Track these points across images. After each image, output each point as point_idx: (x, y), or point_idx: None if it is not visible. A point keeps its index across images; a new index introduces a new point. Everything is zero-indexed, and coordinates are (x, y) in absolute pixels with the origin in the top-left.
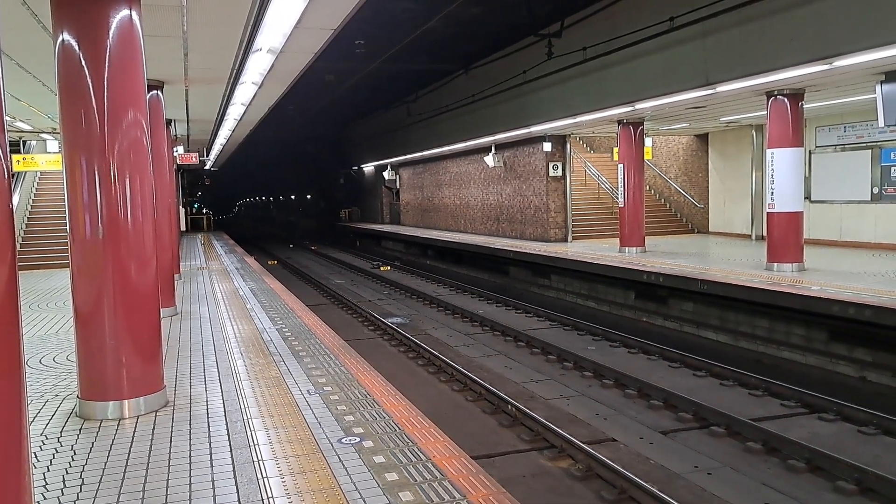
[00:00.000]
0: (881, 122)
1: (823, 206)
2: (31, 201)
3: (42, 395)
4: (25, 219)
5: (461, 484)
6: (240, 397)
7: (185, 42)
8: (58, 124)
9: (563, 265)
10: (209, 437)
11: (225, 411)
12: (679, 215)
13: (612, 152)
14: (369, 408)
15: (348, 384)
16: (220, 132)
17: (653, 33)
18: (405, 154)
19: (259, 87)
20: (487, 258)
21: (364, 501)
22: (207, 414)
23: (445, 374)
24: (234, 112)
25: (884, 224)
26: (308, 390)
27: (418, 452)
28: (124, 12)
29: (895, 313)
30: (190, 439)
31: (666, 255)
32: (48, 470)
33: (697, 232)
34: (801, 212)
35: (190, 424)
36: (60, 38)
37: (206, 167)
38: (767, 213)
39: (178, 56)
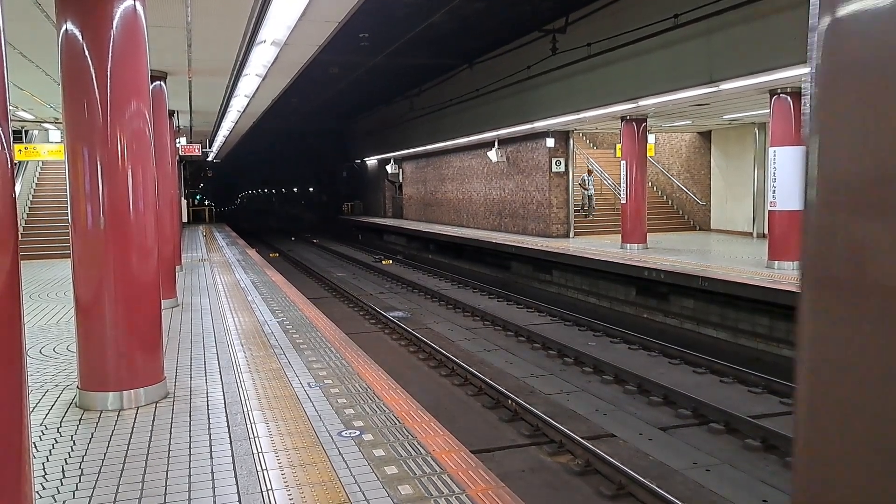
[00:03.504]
0: None
1: None
2: (32, 191)
3: (42, 386)
4: (27, 208)
5: (460, 478)
6: (240, 389)
7: (188, 33)
8: (60, 114)
9: (565, 261)
10: (209, 428)
11: (225, 403)
12: (681, 212)
13: (615, 148)
14: (369, 401)
15: (349, 377)
16: (223, 124)
17: (657, 30)
18: (408, 148)
19: (263, 80)
20: (489, 253)
21: (363, 494)
22: (207, 406)
23: (446, 369)
24: (238, 104)
25: None
26: (308, 383)
27: (418, 446)
28: (128, 2)
29: None
30: (190, 431)
31: (667, 252)
32: (47, 460)
33: (699, 229)
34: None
35: (190, 416)
36: (64, 28)
37: (209, 159)
38: (769, 211)
39: (182, 47)
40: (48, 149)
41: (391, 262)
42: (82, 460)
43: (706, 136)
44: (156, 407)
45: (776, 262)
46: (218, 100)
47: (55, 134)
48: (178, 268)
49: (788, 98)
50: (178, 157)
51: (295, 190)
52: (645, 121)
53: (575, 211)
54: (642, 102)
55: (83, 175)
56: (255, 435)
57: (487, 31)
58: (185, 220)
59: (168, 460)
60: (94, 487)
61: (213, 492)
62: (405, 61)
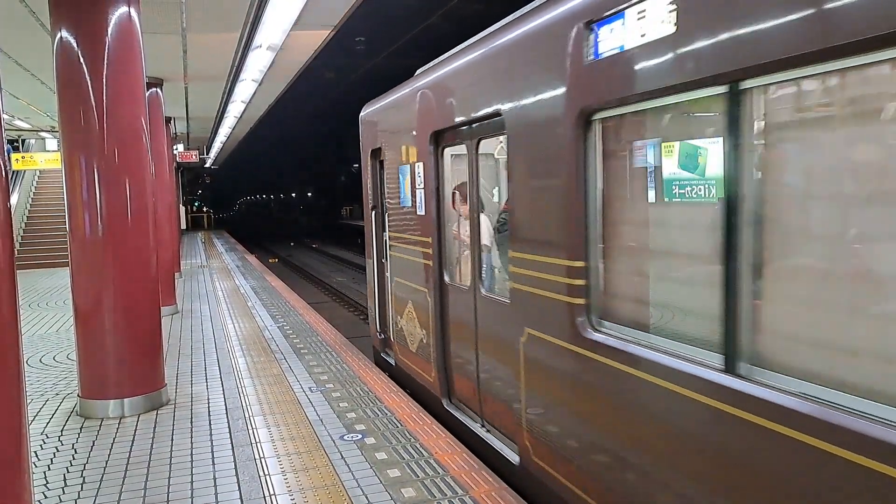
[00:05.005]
0: None
1: None
2: (30, 200)
3: (42, 395)
4: (25, 217)
5: (463, 479)
6: (241, 395)
7: (184, 39)
8: (57, 122)
9: None
10: (211, 434)
11: (226, 409)
12: None
13: None
14: (371, 404)
15: (350, 381)
16: (220, 130)
17: None
18: None
19: (259, 85)
20: None
21: (366, 498)
22: (209, 412)
23: None
24: (234, 109)
25: None
26: (310, 387)
27: (420, 448)
28: (123, 9)
29: None
30: (191, 437)
31: None
32: (49, 469)
33: None
34: None
35: (191, 422)
36: (59, 36)
37: (207, 165)
38: None
39: (178, 53)
40: (45, 157)
41: None
42: (84, 468)
43: None
44: (157, 414)
45: None
46: (214, 106)
47: (52, 142)
48: (177, 274)
49: None
50: (175, 164)
51: (294, 195)
52: None
53: None
54: None
55: (80, 183)
56: (257, 440)
57: None
58: (183, 226)
59: (170, 467)
60: (97, 496)
61: (216, 498)
62: (402, 64)
